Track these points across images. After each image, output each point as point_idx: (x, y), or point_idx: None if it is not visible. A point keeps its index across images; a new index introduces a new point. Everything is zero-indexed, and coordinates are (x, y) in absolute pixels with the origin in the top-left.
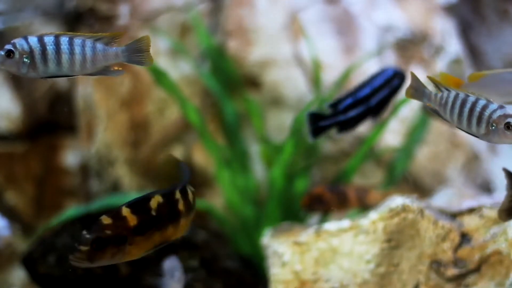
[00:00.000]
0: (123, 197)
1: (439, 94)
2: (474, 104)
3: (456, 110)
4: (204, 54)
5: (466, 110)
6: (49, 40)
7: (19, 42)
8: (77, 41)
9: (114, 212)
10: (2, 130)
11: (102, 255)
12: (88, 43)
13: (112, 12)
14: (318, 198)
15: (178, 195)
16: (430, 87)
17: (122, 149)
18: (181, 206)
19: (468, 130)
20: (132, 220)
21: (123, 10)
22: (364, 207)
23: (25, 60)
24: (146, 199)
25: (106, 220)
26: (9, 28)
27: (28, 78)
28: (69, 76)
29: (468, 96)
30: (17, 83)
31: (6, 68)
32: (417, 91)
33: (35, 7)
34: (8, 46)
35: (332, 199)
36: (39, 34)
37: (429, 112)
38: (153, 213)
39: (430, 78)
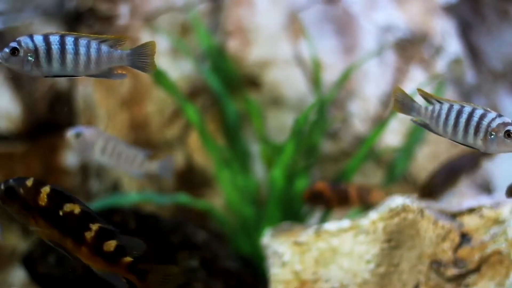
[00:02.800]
0: (123, 197)
1: (430, 107)
2: (471, 114)
3: (451, 122)
4: (204, 54)
5: (462, 120)
6: (54, 39)
7: (24, 40)
8: (83, 41)
9: (42, 182)
10: (2, 130)
11: (10, 204)
12: (93, 44)
13: (112, 12)
14: (319, 195)
15: (95, 226)
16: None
17: None
18: (88, 235)
19: (464, 141)
20: (42, 200)
21: (123, 10)
22: (366, 206)
23: (30, 58)
24: (72, 198)
25: (29, 182)
26: (9, 28)
27: (30, 77)
28: (72, 76)
29: (463, 106)
30: (17, 83)
31: (10, 65)
32: (404, 105)
33: (35, 7)
34: (13, 44)
35: (333, 196)
36: (45, 33)
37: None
38: (61, 213)
39: (420, 91)
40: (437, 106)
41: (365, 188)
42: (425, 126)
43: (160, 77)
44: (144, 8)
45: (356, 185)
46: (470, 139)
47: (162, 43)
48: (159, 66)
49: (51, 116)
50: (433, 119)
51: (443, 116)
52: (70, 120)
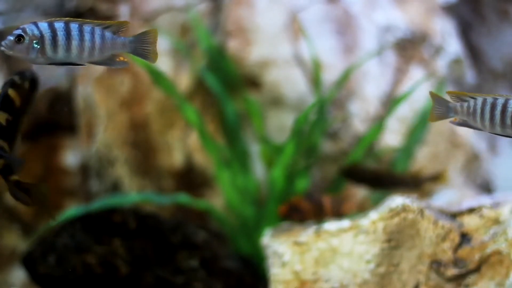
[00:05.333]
0: (123, 197)
1: (465, 104)
2: (504, 105)
3: (487, 115)
4: (204, 54)
5: (498, 112)
6: (59, 26)
7: (29, 27)
8: (87, 28)
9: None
10: None
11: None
12: (97, 30)
13: (112, 12)
14: (296, 208)
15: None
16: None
17: (122, 149)
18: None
19: (503, 132)
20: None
21: (123, 10)
22: (340, 216)
23: (35, 45)
24: (4, 109)
25: (25, 83)
26: (9, 28)
27: (37, 64)
28: (75, 64)
29: (496, 98)
30: None
31: (15, 53)
32: (442, 110)
33: (35, 7)
34: (17, 31)
35: (309, 208)
36: (48, 20)
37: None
38: None
39: (450, 92)
40: (472, 102)
41: (339, 199)
42: (465, 124)
43: (159, 78)
44: (144, 8)
45: (329, 196)
46: (509, 130)
47: (162, 44)
48: (158, 67)
49: (51, 116)
50: (470, 115)
51: (478, 111)
52: (70, 120)
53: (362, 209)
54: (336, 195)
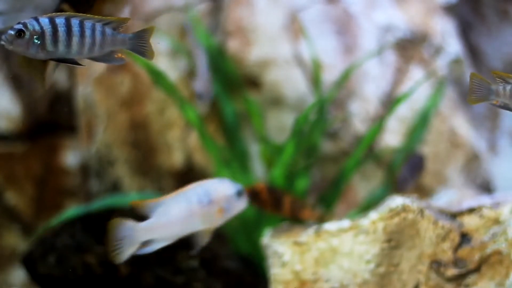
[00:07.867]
0: (123, 197)
1: (508, 87)
2: None
3: None
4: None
5: None
6: (60, 21)
7: (30, 22)
8: (88, 24)
9: None
10: (2, 130)
11: None
12: (98, 27)
13: (112, 12)
14: (256, 194)
15: None
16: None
17: (122, 149)
18: None
19: None
20: None
21: (123, 10)
22: (296, 220)
23: (35, 41)
24: None
25: None
26: (9, 28)
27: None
28: (74, 63)
29: None
30: (17, 83)
31: (14, 48)
32: (483, 92)
33: (35, 7)
34: (18, 26)
35: (267, 200)
36: (49, 15)
37: None
38: None
39: (495, 73)
40: None
41: (300, 203)
42: (506, 107)
43: (158, 78)
44: (144, 8)
45: (292, 196)
46: None
47: (161, 44)
48: (157, 67)
49: (51, 116)
50: None
51: None
52: (70, 120)
53: (321, 220)
54: (299, 199)
